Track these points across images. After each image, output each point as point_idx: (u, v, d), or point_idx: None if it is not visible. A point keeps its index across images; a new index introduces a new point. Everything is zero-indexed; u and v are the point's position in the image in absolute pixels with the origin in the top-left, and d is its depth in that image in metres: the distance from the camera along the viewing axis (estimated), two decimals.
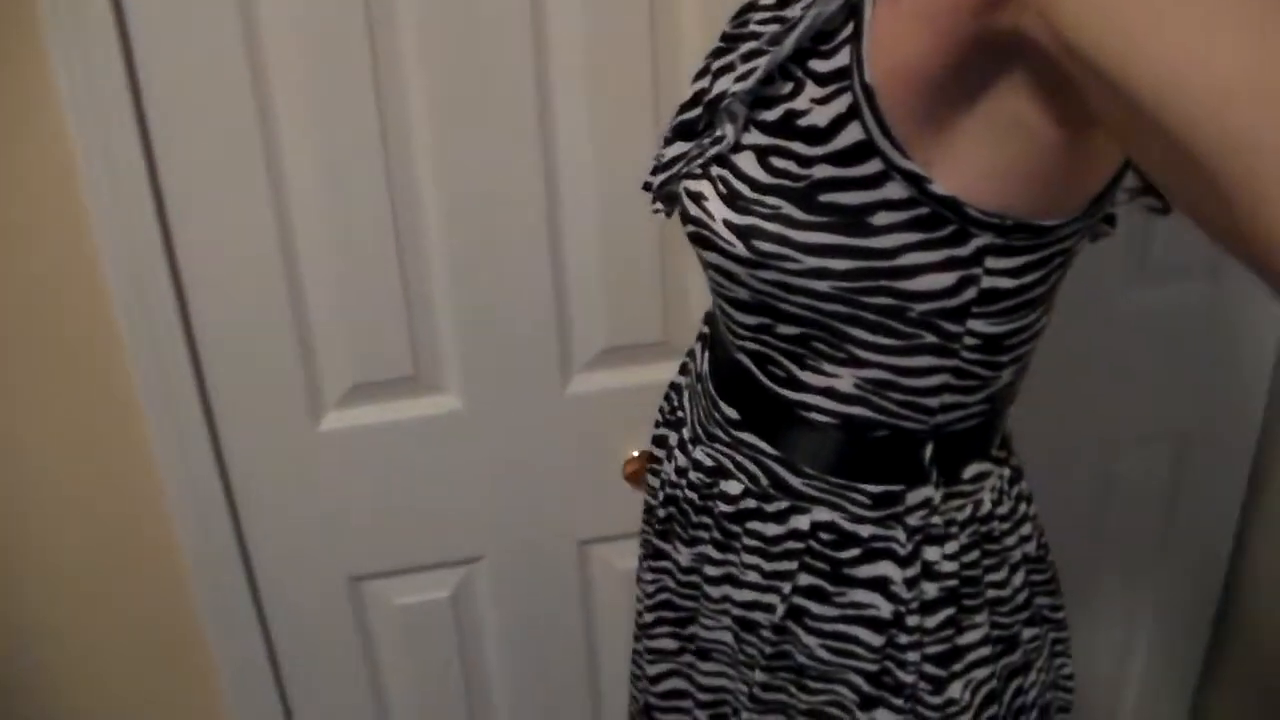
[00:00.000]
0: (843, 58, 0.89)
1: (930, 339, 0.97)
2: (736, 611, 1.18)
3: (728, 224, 0.96)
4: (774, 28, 0.97)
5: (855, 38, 0.88)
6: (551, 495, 1.70)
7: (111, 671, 1.69)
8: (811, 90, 0.91)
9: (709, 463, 1.17)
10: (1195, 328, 1.79)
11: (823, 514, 1.09)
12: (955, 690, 1.11)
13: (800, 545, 1.10)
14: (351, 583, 1.71)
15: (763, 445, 1.10)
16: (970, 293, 0.94)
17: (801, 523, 1.10)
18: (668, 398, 1.32)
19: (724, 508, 1.15)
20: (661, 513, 1.26)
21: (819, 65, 0.91)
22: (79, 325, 1.45)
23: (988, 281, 0.93)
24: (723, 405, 1.13)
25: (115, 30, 1.30)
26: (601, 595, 1.81)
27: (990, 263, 0.92)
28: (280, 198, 1.44)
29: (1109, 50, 0.66)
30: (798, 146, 0.92)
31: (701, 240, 1.00)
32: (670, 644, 1.31)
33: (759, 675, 1.17)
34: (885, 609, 1.09)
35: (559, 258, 1.54)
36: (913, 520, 1.07)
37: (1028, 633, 1.18)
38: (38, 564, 1.59)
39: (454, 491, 1.66)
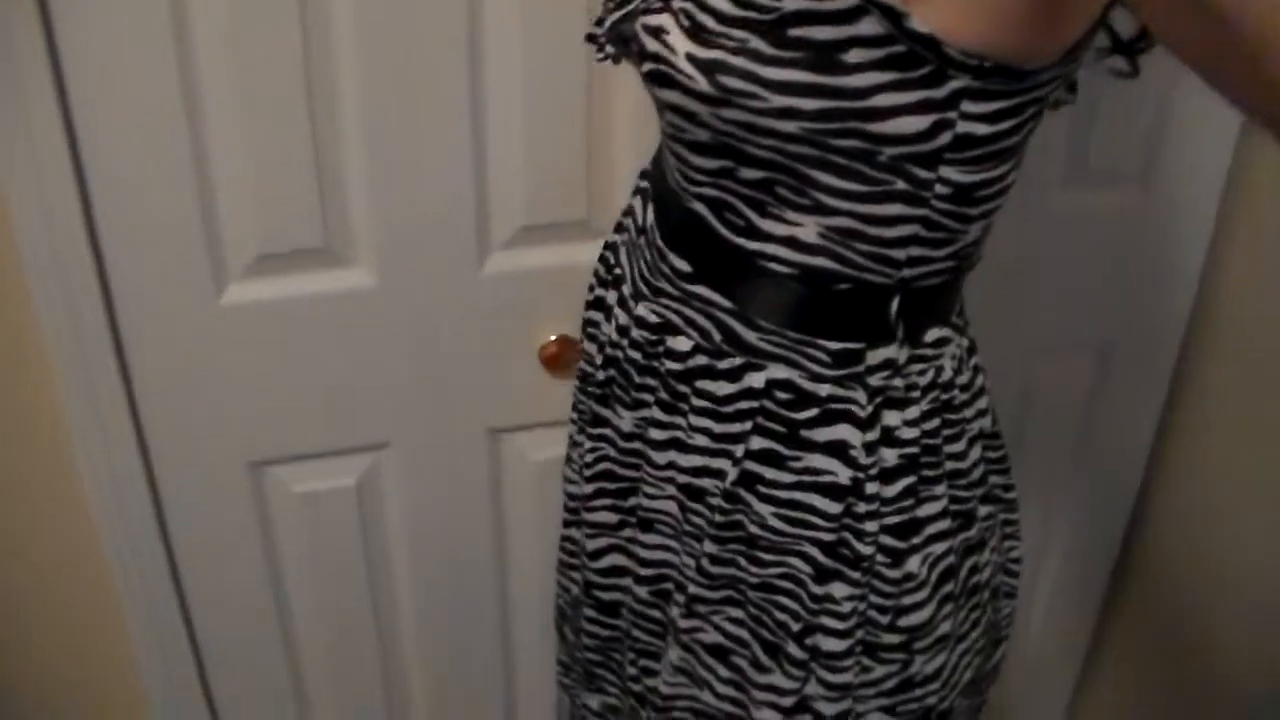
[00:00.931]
0: None
1: (900, 186, 0.93)
2: (682, 479, 1.13)
3: (691, 58, 0.91)
4: None
5: None
6: (463, 380, 1.63)
7: None
8: None
9: (653, 319, 1.11)
10: (1124, 236, 1.77)
11: (779, 371, 1.04)
12: (913, 564, 1.08)
13: (754, 405, 1.05)
14: (251, 468, 1.62)
15: (716, 298, 1.04)
16: (944, 138, 0.91)
17: (756, 380, 1.05)
18: (602, 259, 1.26)
19: (671, 365, 1.09)
20: (601, 375, 1.20)
21: None
22: None
23: (962, 127, 0.91)
24: (671, 257, 1.07)
25: None
26: (512, 487, 1.75)
27: (966, 107, 0.90)
28: (185, 48, 1.33)
29: None
30: None
31: (660, 78, 0.95)
32: (610, 517, 1.26)
33: (708, 546, 1.12)
34: (843, 475, 1.05)
35: (479, 129, 1.46)
36: (874, 381, 1.03)
37: (983, 510, 1.16)
38: None
39: (361, 373, 1.59)
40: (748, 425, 1.06)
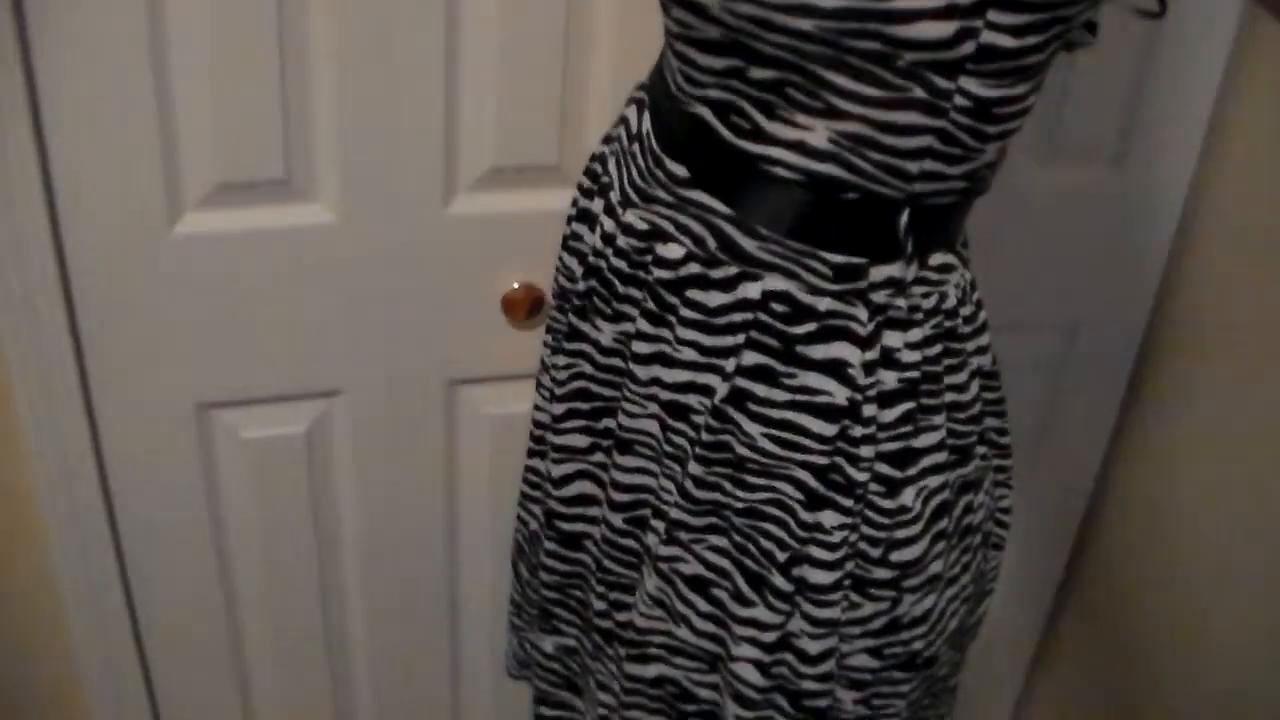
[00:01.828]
0: None
1: (918, 94, 0.90)
2: (666, 396, 1.08)
3: None
4: None
5: None
6: (423, 328, 1.58)
7: None
8: None
9: (642, 226, 1.07)
10: (1093, 215, 1.75)
11: (777, 282, 1.00)
12: (908, 496, 1.04)
13: (748, 317, 1.01)
14: (198, 410, 1.56)
15: (714, 204, 1.00)
16: (968, 47, 0.87)
17: (752, 291, 1.00)
18: (588, 171, 1.21)
19: (661, 274, 1.05)
20: (582, 286, 1.15)
21: None
22: None
23: (987, 37, 0.87)
24: (668, 162, 1.03)
25: None
26: (467, 442, 1.69)
27: (993, 17, 0.86)
28: None
29: None
30: None
31: None
32: (581, 440, 1.21)
33: (693, 468, 1.07)
34: (840, 395, 1.01)
35: (453, 63, 1.41)
36: (876, 298, 1.00)
37: (979, 450, 1.12)
38: None
39: (317, 315, 1.53)
40: (740, 339, 1.02)
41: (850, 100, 0.91)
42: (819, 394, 1.01)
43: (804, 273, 0.99)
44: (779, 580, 1.07)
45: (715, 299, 1.02)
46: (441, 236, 1.52)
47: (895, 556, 1.06)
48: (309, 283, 1.51)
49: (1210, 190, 1.70)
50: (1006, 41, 0.88)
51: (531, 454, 1.36)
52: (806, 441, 1.03)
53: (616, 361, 1.13)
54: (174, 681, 1.77)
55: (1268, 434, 1.62)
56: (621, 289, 1.09)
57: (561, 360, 1.19)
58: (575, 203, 1.22)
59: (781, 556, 1.06)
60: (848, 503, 1.03)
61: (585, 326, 1.16)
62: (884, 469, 1.03)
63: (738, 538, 1.09)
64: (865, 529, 1.05)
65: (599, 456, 1.20)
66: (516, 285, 1.56)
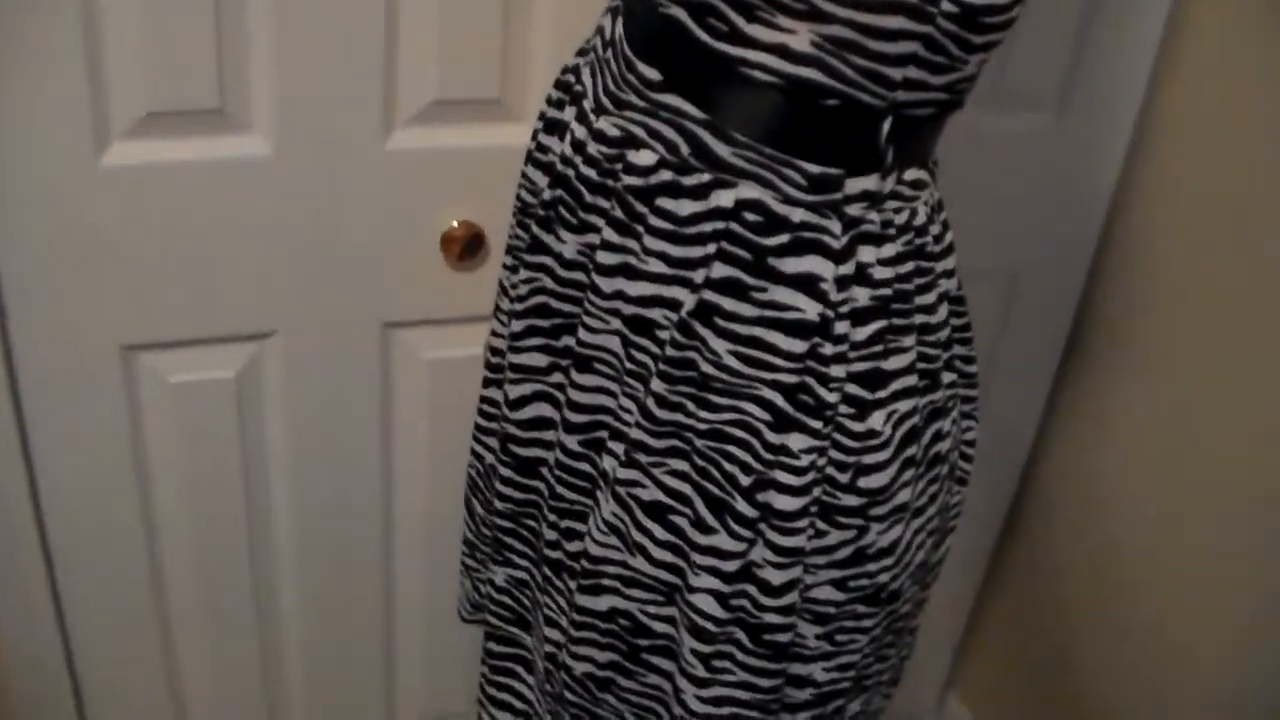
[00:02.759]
0: None
1: None
2: (629, 310, 1.04)
3: None
4: None
5: None
6: (359, 268, 1.53)
7: None
8: None
9: (614, 133, 1.03)
10: (1035, 162, 1.74)
11: (750, 191, 0.97)
12: (877, 420, 1.01)
13: (719, 226, 0.98)
14: (124, 353, 1.49)
15: (688, 108, 0.97)
16: None
17: (724, 199, 0.97)
18: (559, 83, 1.17)
19: (630, 181, 1.01)
20: (547, 195, 1.11)
21: None
22: None
23: None
24: (640, 66, 0.99)
25: None
26: (403, 387, 1.65)
27: None
28: None
29: None
30: None
31: None
32: (539, 359, 1.17)
33: (656, 385, 1.03)
34: (811, 311, 0.98)
35: None
36: (851, 211, 0.97)
37: (946, 377, 1.10)
38: None
39: (250, 253, 1.47)
40: (710, 249, 0.98)
41: (836, 2, 0.88)
42: (789, 310, 0.98)
43: (779, 181, 0.96)
44: (742, 506, 1.03)
45: (686, 207, 0.98)
46: (381, 170, 1.47)
47: (863, 483, 1.03)
48: (241, 219, 1.45)
49: (1152, 140, 1.70)
50: None
51: (487, 383, 1.32)
52: (775, 360, 0.99)
53: (579, 275, 1.09)
54: (93, 630, 1.69)
55: (1205, 388, 1.62)
56: (589, 198, 1.05)
57: (522, 273, 1.15)
58: (542, 115, 1.18)
59: (745, 481, 1.03)
60: (816, 424, 1.00)
61: (549, 239, 1.11)
62: (854, 390, 1.01)
63: (700, 461, 1.05)
64: (833, 453, 1.02)
65: (557, 377, 1.16)
66: (455, 223, 1.51)
